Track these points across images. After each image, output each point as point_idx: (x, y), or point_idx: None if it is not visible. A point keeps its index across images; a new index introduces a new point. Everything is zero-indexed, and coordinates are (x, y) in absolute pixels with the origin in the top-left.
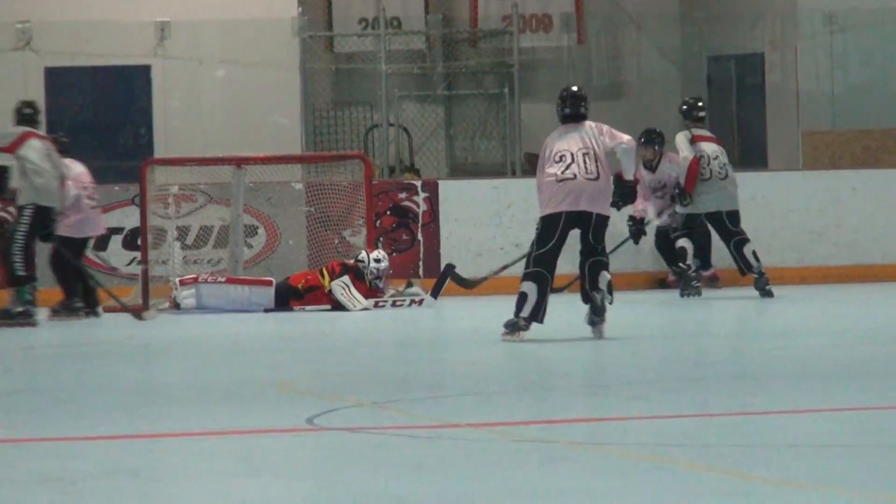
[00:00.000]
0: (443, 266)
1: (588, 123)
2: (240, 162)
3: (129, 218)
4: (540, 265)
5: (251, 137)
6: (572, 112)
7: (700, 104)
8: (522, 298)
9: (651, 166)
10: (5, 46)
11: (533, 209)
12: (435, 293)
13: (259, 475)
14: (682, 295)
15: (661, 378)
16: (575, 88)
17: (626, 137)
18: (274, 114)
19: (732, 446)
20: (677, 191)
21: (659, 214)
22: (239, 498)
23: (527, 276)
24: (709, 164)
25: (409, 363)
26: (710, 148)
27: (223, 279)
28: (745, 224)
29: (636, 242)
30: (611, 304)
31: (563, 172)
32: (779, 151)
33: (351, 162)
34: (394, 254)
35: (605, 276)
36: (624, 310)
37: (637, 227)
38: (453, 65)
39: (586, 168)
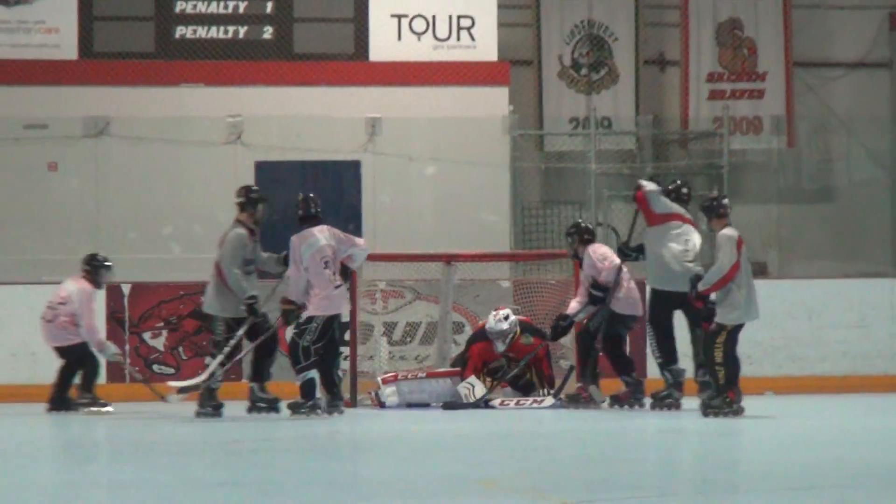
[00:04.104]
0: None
1: None
2: (449, 259)
3: None
4: None
5: (460, 234)
6: None
7: (725, 200)
8: None
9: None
10: (217, 140)
11: None
12: (557, 392)
13: None
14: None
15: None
16: None
17: None
18: (483, 211)
19: None
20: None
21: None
22: None
23: None
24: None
25: (610, 461)
26: None
27: (423, 374)
28: None
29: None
30: None
31: None
32: None
33: (559, 260)
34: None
35: None
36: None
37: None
38: (663, 165)
39: None
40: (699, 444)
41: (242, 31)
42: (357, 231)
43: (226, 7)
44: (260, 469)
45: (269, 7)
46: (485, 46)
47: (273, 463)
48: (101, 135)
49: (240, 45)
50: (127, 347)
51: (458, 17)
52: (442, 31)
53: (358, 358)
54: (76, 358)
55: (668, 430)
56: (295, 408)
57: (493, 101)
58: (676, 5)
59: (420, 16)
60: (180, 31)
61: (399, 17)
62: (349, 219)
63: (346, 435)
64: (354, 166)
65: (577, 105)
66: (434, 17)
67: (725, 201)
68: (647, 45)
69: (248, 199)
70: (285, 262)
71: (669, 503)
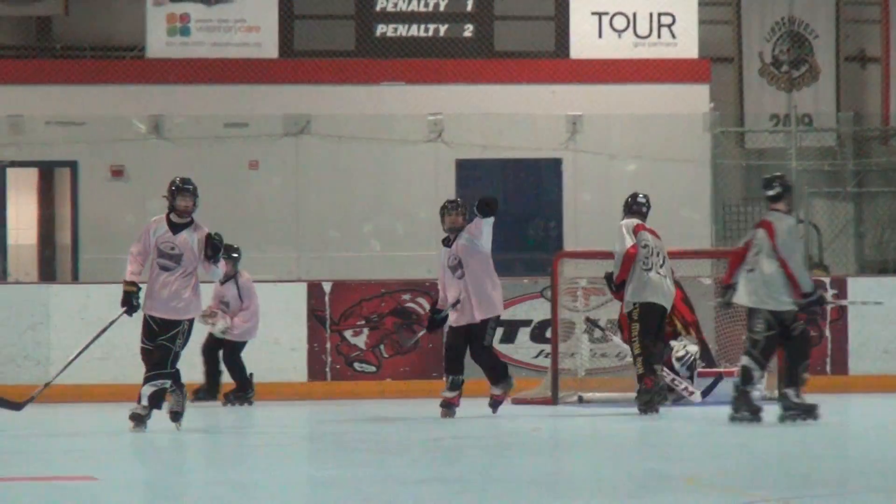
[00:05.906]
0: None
1: None
2: None
3: (536, 311)
4: None
5: (661, 231)
6: None
7: (641, 199)
8: None
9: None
10: (418, 138)
11: None
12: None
13: None
14: None
15: None
16: None
17: None
18: (684, 208)
19: None
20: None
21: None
22: None
23: None
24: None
25: (813, 458)
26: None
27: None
28: None
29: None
30: None
31: None
32: None
33: None
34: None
35: None
36: None
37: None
38: (864, 162)
39: None
40: None
41: (443, 28)
42: (558, 229)
43: (426, 5)
44: (462, 466)
45: (470, 5)
46: (685, 44)
47: (475, 460)
48: (302, 133)
49: (440, 43)
50: (328, 345)
51: (659, 15)
52: (643, 28)
53: (560, 355)
54: None
55: (869, 428)
56: (137, 419)
57: (694, 99)
58: (877, 2)
59: (621, 13)
60: (381, 29)
61: (600, 14)
62: (550, 217)
63: (547, 432)
64: (555, 164)
65: (778, 102)
66: (635, 14)
67: (641, 199)
68: (847, 41)
69: (784, 188)
70: None
71: (873, 500)
